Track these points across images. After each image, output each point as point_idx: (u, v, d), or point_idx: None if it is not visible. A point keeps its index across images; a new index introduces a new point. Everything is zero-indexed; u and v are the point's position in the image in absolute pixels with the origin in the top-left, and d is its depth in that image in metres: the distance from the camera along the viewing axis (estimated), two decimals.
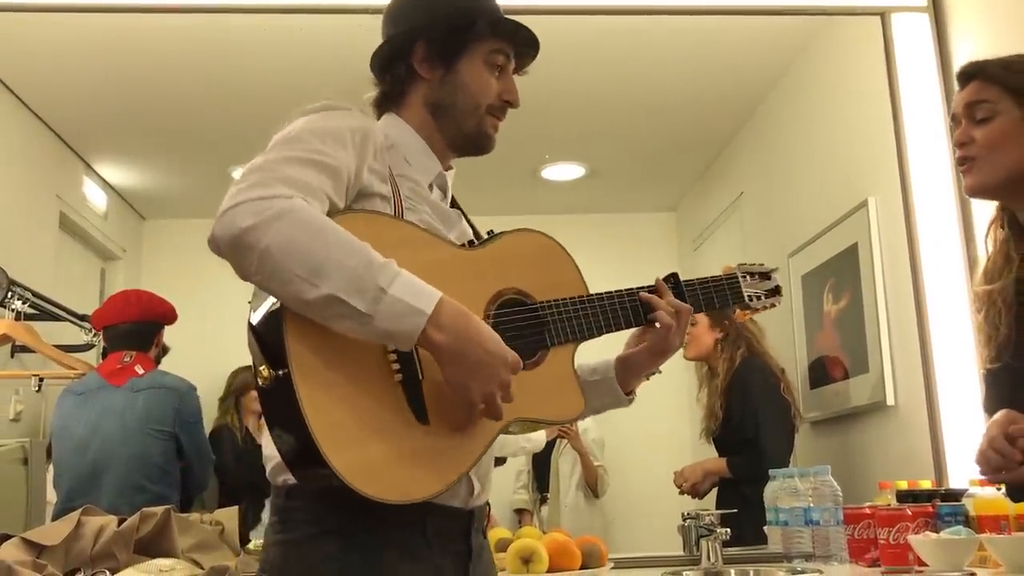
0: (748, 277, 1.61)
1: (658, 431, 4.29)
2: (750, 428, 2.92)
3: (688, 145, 4.20)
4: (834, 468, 2.39)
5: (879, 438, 2.90)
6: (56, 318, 3.50)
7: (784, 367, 3.06)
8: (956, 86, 1.69)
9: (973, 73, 1.65)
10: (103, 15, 2.91)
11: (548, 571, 2.08)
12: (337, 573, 1.24)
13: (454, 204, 1.52)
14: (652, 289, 1.50)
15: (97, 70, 3.32)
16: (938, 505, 2.14)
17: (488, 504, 3.19)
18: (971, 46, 2.62)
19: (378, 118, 1.47)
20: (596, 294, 1.45)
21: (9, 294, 3.13)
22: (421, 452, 1.22)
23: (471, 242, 1.39)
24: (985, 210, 1.75)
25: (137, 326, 2.79)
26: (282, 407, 1.17)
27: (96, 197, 4.20)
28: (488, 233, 1.44)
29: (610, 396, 1.54)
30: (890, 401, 2.80)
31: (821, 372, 3.26)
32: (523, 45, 1.48)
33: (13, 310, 3.19)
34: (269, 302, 1.20)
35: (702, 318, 3.05)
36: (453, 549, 1.34)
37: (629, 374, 1.53)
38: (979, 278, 1.71)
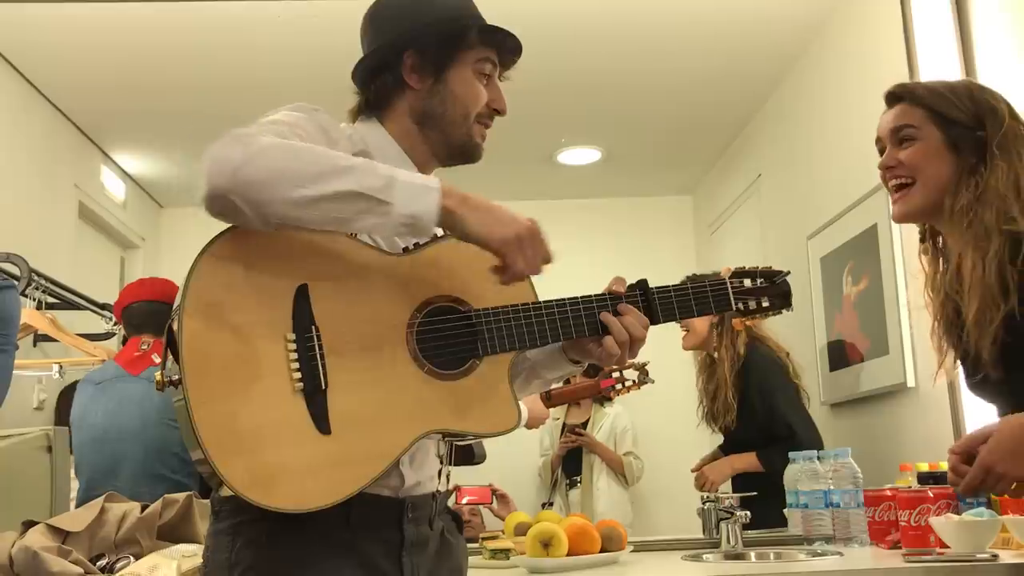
0: (746, 281, 1.49)
1: (678, 417, 4.29)
2: (778, 419, 2.85)
3: (705, 128, 4.18)
4: (854, 450, 2.39)
5: (900, 420, 2.88)
6: (76, 307, 3.53)
7: (791, 350, 3.01)
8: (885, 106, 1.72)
9: (900, 96, 1.70)
10: (120, 5, 2.93)
11: (568, 555, 2.09)
12: (257, 559, 1.24)
13: None
14: (615, 300, 1.40)
15: (114, 60, 3.33)
16: None
17: (494, 493, 3.16)
18: (991, 24, 2.59)
19: (353, 121, 1.46)
20: (544, 302, 1.37)
21: (30, 284, 3.16)
22: (319, 461, 1.19)
23: (415, 245, 1.33)
24: None
25: (153, 305, 2.78)
26: (180, 416, 1.16)
27: (114, 186, 4.22)
28: (431, 236, 1.38)
29: (562, 369, 1.51)
30: (911, 383, 2.78)
31: (841, 354, 3.25)
32: (509, 52, 1.46)
33: (34, 300, 3.22)
34: (177, 304, 1.19)
35: None
36: (383, 537, 1.31)
37: (575, 353, 1.46)
38: (925, 290, 1.74)
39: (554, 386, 2.23)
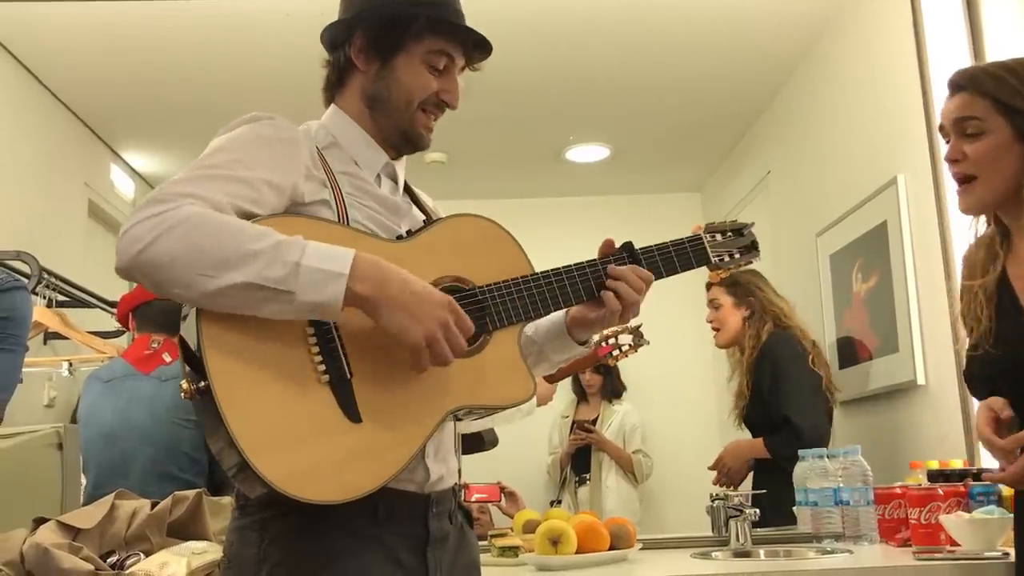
0: (717, 236, 1.57)
1: (687, 415, 4.29)
2: (782, 404, 2.82)
3: (713, 124, 4.17)
4: (864, 448, 2.38)
5: (909, 418, 2.87)
6: (86, 305, 3.54)
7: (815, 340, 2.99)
8: (947, 93, 1.68)
9: (963, 84, 1.65)
10: (129, 3, 2.93)
11: (576, 552, 2.08)
12: (287, 554, 1.24)
13: (408, 191, 1.51)
14: (605, 264, 1.46)
15: (123, 58, 3.34)
16: (970, 485, 2.12)
17: (502, 491, 3.17)
18: (1002, 19, 2.58)
19: (327, 106, 1.46)
20: (541, 272, 1.41)
21: (40, 282, 3.17)
22: (353, 451, 1.21)
23: (408, 232, 1.36)
24: None
25: (172, 303, 2.78)
26: (208, 419, 1.17)
27: (124, 184, 4.23)
28: (424, 222, 1.41)
29: (569, 351, 1.55)
30: (920, 380, 2.77)
31: (850, 352, 3.23)
32: (471, 48, 1.44)
33: (45, 298, 3.23)
34: (188, 313, 1.20)
35: (726, 299, 3.01)
36: (408, 532, 1.32)
37: (581, 332, 1.51)
38: (964, 271, 1.73)
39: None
